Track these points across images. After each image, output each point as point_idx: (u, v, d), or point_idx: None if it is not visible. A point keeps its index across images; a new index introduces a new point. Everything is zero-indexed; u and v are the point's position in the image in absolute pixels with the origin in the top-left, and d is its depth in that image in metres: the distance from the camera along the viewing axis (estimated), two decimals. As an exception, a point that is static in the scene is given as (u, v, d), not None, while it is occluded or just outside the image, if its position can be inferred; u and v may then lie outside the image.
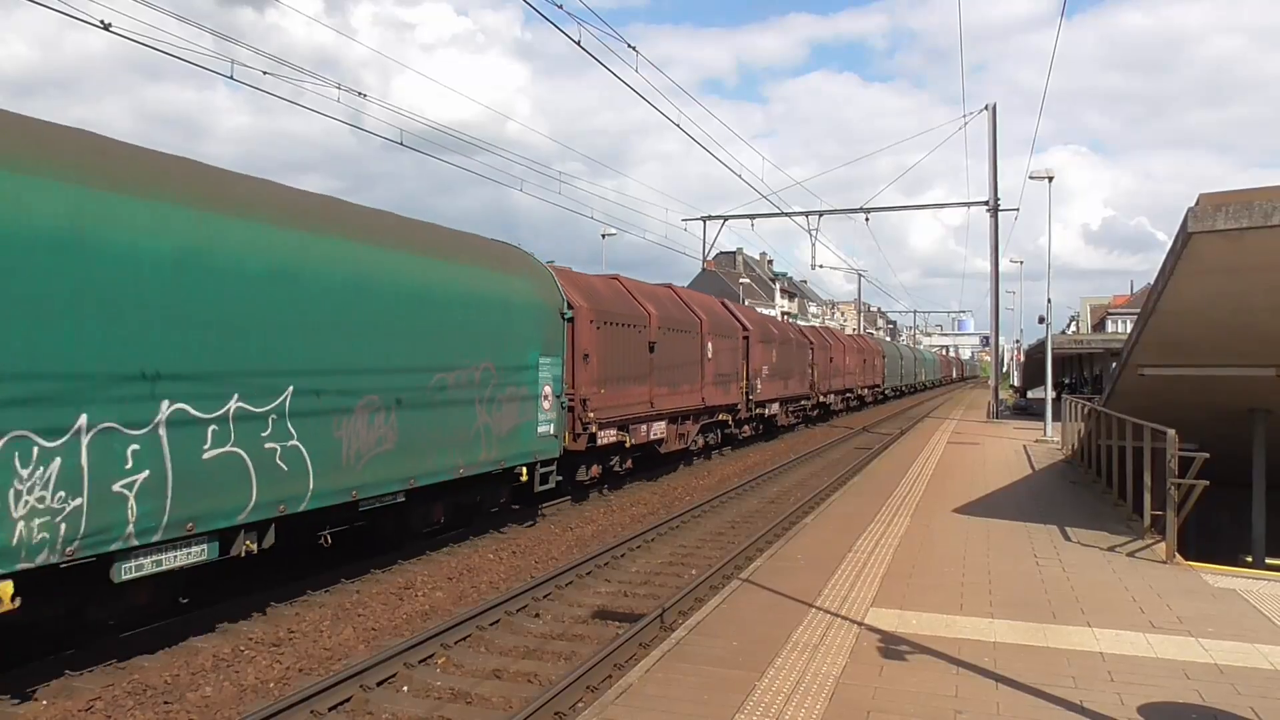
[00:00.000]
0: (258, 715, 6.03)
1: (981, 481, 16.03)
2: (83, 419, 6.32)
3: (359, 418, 8.97)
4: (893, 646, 6.56)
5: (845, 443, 28.03)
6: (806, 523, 11.88)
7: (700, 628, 7.07)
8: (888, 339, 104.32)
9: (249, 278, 7.71)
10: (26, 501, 5.98)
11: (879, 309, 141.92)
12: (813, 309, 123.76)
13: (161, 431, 6.91)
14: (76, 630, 7.14)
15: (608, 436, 15.17)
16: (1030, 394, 47.17)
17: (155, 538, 6.89)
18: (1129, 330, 15.40)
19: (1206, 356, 11.72)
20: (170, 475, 6.96)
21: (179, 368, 7.03)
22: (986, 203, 35.30)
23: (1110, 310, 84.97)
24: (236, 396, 7.57)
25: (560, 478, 13.54)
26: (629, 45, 15.96)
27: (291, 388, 8.12)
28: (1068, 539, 10.71)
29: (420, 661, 7.34)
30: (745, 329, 24.19)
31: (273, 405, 7.94)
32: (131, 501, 6.67)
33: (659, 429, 17.71)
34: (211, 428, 7.33)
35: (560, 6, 12.57)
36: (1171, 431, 9.61)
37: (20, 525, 5.93)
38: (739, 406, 23.21)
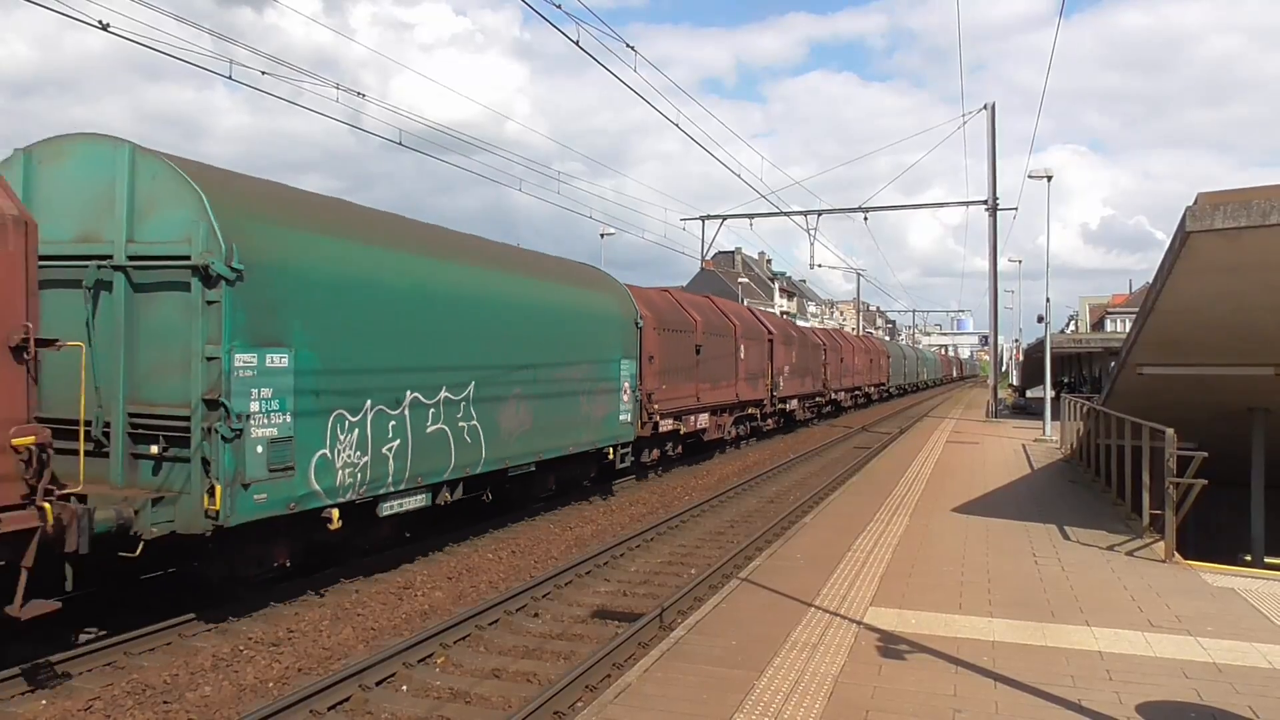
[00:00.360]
0: (257, 715, 6.03)
1: (980, 481, 16.04)
2: (368, 403, 9.22)
3: (510, 405, 11.91)
4: (892, 646, 6.56)
5: (844, 442, 28.04)
6: (806, 522, 11.89)
7: (699, 627, 7.08)
8: (890, 340, 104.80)
9: (450, 301, 10.62)
10: (342, 457, 8.89)
11: (878, 308, 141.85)
12: (811, 308, 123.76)
13: (406, 412, 9.79)
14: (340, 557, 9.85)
15: (666, 425, 18.12)
16: (1029, 393, 47.21)
17: (401, 487, 9.81)
18: (1128, 329, 15.42)
19: (1205, 355, 11.74)
20: (410, 444, 9.86)
21: (414, 367, 9.89)
22: (985, 202, 35.32)
23: (1109, 309, 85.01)
24: (444, 388, 10.46)
25: (633, 458, 16.47)
26: (628, 45, 15.96)
27: (474, 382, 11.02)
28: (1066, 538, 10.72)
29: (419, 661, 7.35)
30: (770, 332, 26.66)
31: (463, 395, 10.86)
32: (391, 461, 9.59)
33: (704, 419, 20.55)
34: (430, 410, 10.24)
35: (559, 6, 12.57)
36: (1170, 430, 9.62)
37: (340, 473, 8.88)
38: (764, 402, 25.81)
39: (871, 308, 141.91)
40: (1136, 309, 13.96)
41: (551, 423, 12.98)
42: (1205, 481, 9.50)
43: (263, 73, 14.40)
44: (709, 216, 39.61)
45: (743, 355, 23.48)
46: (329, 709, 6.37)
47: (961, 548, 10.10)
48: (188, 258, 7.59)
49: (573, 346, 13.78)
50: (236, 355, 7.74)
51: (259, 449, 7.93)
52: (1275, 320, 10.34)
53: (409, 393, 9.82)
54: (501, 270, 12.29)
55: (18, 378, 5.97)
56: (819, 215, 37.87)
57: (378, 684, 6.86)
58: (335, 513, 8.79)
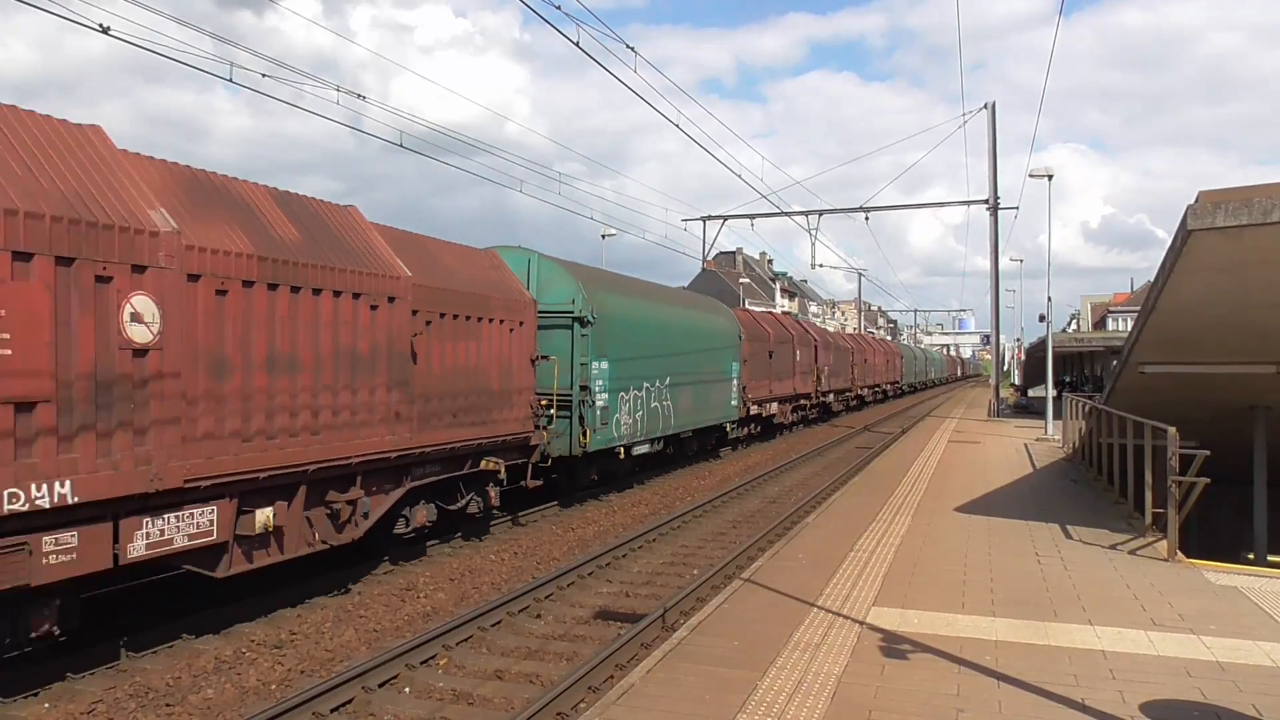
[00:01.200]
0: (260, 717, 6.03)
1: (983, 480, 16.02)
2: (631, 389, 15.60)
3: (682, 392, 18.55)
4: (894, 645, 6.55)
5: (846, 442, 28.03)
6: (808, 522, 11.88)
7: (702, 628, 7.07)
8: (905, 341, 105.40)
9: (658, 328, 17.54)
10: (624, 420, 15.32)
11: (879, 308, 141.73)
12: (813, 308, 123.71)
13: (643, 395, 16.35)
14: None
15: (754, 409, 24.95)
16: (1031, 392, 47.14)
17: (640, 439, 16.46)
18: (1129, 328, 15.39)
19: (1207, 354, 11.72)
20: (645, 414, 16.50)
21: (648, 368, 16.51)
22: (986, 201, 35.30)
23: (1111, 308, 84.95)
24: (656, 380, 17.02)
25: (733, 434, 24.03)
26: (627, 46, 15.95)
27: (668, 377, 17.67)
28: (1069, 537, 10.71)
29: (422, 663, 7.34)
30: (815, 339, 33.52)
31: (665, 384, 17.57)
32: (638, 424, 16.16)
33: (774, 407, 27.44)
34: (653, 394, 16.86)
35: (558, 8, 12.57)
36: (1172, 429, 9.60)
37: (623, 428, 15.29)
38: (812, 395, 32.77)
39: (873, 307, 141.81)
40: (1138, 308, 13.94)
41: (699, 405, 19.90)
42: (1207, 480, 9.48)
43: (263, 75, 14.41)
44: (710, 217, 39.62)
45: (798, 358, 30.21)
46: (332, 711, 6.37)
47: (964, 547, 10.09)
48: (571, 312, 14.33)
49: (709, 354, 20.70)
50: (592, 363, 14.54)
51: (598, 412, 14.65)
52: (1277, 318, 10.32)
53: (644, 383, 16.61)
54: (676, 306, 19.77)
55: (531, 374, 12.68)
56: (820, 215, 37.87)
57: (380, 685, 6.86)
58: (621, 450, 15.87)
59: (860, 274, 78.12)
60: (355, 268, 8.97)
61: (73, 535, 6.27)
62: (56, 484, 6.08)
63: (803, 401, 31.03)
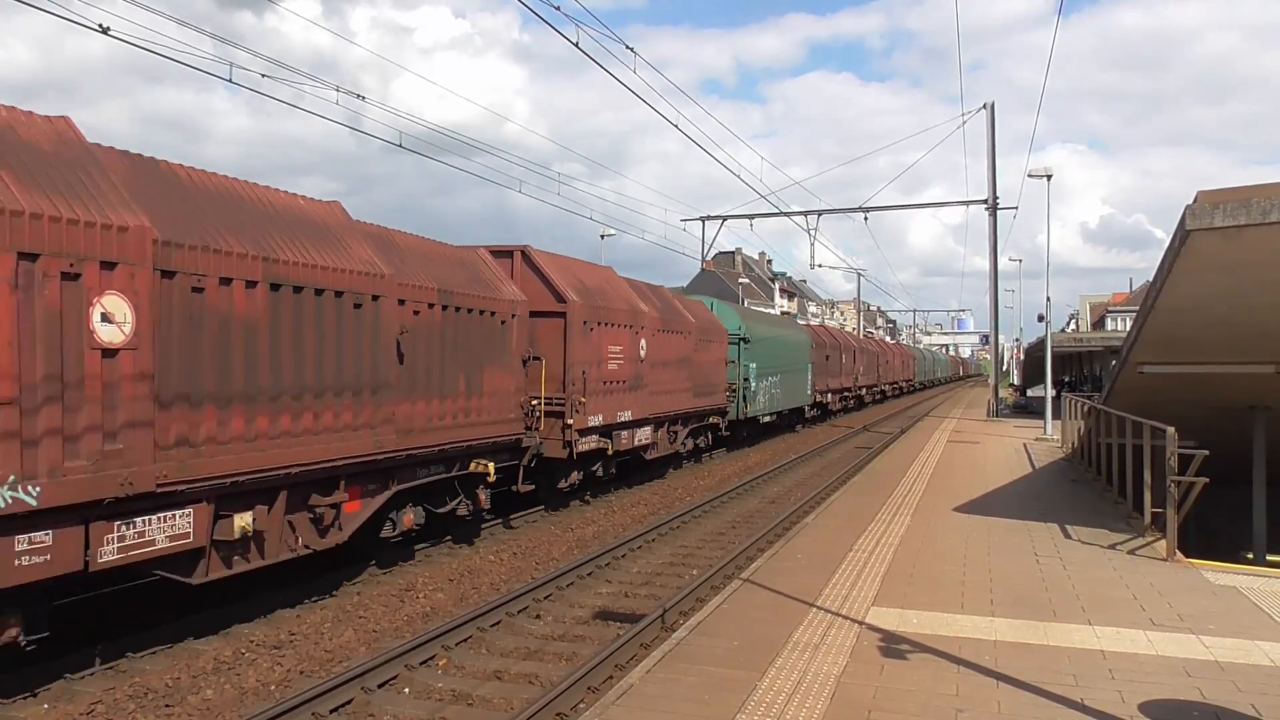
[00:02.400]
0: (259, 718, 6.03)
1: (982, 480, 16.03)
2: (764, 380, 25.56)
3: (785, 383, 27.96)
4: (894, 645, 6.55)
5: (845, 442, 28.04)
6: (807, 522, 11.88)
7: (701, 628, 7.07)
8: (905, 341, 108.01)
9: (773, 341, 27.36)
10: (760, 400, 25.28)
11: (878, 308, 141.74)
12: (812, 308, 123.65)
13: (766, 383, 25.82)
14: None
15: (819, 398, 34.25)
16: (1030, 392, 47.16)
17: (766, 412, 26.28)
18: (1128, 328, 15.39)
19: (1206, 354, 11.72)
20: (767, 397, 26.05)
21: (770, 369, 26.29)
22: (985, 201, 35.31)
23: (1110, 308, 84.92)
24: (774, 376, 26.71)
25: (808, 414, 33.56)
26: (627, 46, 15.96)
27: (780, 375, 27.38)
28: (1068, 537, 10.71)
29: (421, 663, 7.34)
30: (854, 346, 43.83)
31: (778, 379, 27.12)
32: (767, 403, 26.07)
33: (830, 397, 36.68)
34: (772, 383, 26.52)
35: (558, 8, 12.58)
36: (1171, 429, 9.60)
37: (760, 404, 25.35)
38: (851, 389, 42.29)
39: (872, 307, 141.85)
40: (1137, 308, 13.95)
41: (793, 393, 29.26)
42: (1206, 480, 9.49)
43: (262, 75, 14.42)
44: (709, 217, 39.66)
45: (843, 361, 39.88)
46: (331, 711, 6.37)
47: (963, 547, 10.09)
48: (739, 333, 23.98)
49: (799, 359, 30.41)
50: (747, 365, 24.02)
51: (749, 395, 23.94)
52: (1276, 318, 10.33)
53: (769, 378, 25.78)
54: (782, 328, 31.18)
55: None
56: (819, 215, 37.89)
57: (380, 686, 6.86)
58: (761, 419, 25.77)
59: (859, 274, 78.15)
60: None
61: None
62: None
63: (845, 393, 41.11)
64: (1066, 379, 49.31)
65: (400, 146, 19.13)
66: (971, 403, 49.29)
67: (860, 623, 7.12)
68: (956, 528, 11.31)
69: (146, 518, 6.86)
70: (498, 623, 8.44)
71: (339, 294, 8.81)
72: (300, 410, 8.29)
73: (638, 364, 16.23)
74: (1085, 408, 17.85)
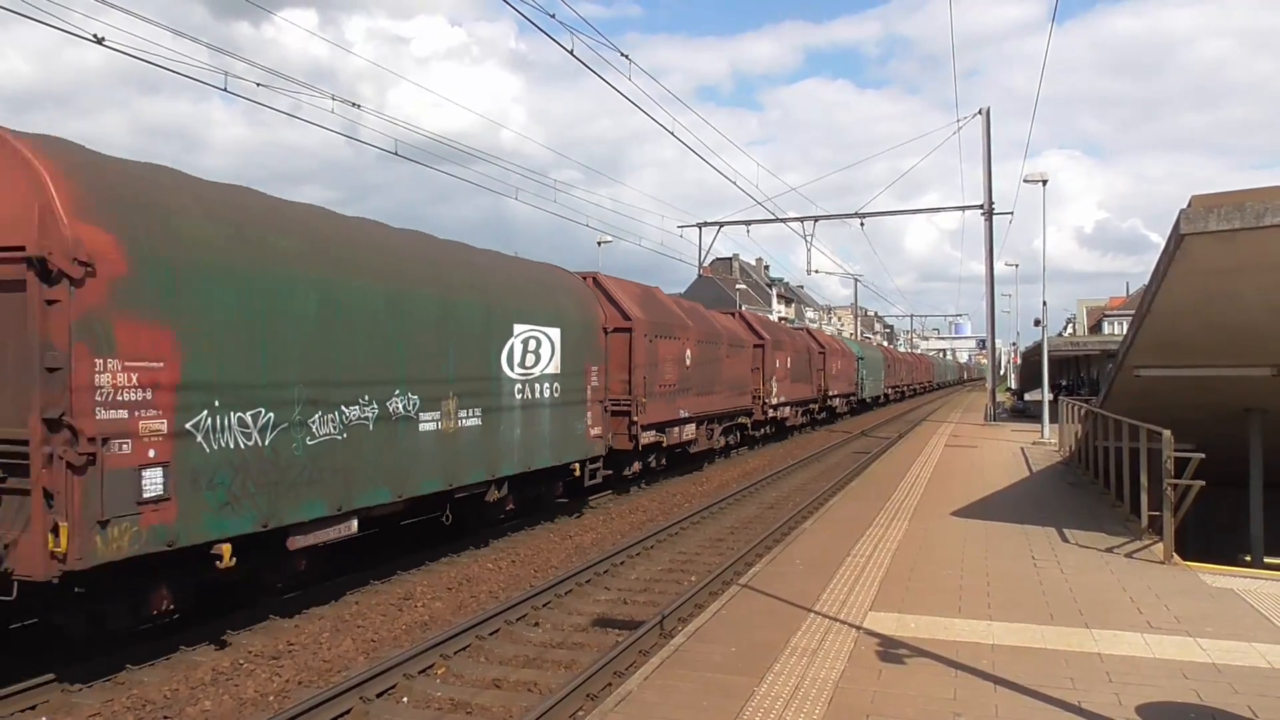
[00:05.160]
0: (257, 728, 6.03)
1: (979, 484, 16.05)
2: (870, 376, 49.69)
3: (870, 377, 48.33)
4: (891, 650, 6.57)
5: (844, 447, 28.04)
6: (805, 527, 11.89)
7: (700, 634, 7.08)
8: (903, 347, 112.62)
9: (867, 358, 49.19)
10: (869, 387, 48.53)
11: (875, 313, 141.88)
12: (809, 314, 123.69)
13: (871, 379, 49.49)
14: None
15: (877, 394, 51.31)
16: (1027, 396, 47.28)
17: (869, 394, 49.22)
18: (1125, 332, 15.44)
19: (1202, 357, 11.77)
20: (873, 385, 50.10)
21: (871, 372, 49.80)
22: (981, 206, 35.46)
23: (1106, 312, 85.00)
24: (873, 376, 50.25)
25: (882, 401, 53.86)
26: (622, 54, 16.03)
27: (872, 375, 49.89)
28: (1065, 540, 10.73)
29: (420, 672, 7.34)
30: (896, 358, 58.93)
31: (876, 378, 50.74)
32: (873, 388, 50.83)
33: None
34: (875, 378, 50.60)
35: (553, 16, 12.65)
36: (1167, 432, 9.64)
37: (867, 389, 48.26)
38: (892, 389, 56.80)
39: (869, 313, 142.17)
40: (1133, 312, 13.98)
41: (875, 385, 48.89)
42: (1203, 483, 9.53)
43: (258, 84, 14.46)
44: (706, 223, 39.73)
45: (889, 367, 55.83)
46: (330, 721, 6.37)
47: (961, 551, 10.11)
48: (859, 353, 46.74)
49: (873, 370, 48.07)
50: (861, 372, 46.22)
51: (862, 387, 46.58)
52: (1271, 321, 10.38)
53: (870, 377, 47.75)
54: (870, 350, 52.54)
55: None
56: (815, 221, 38.02)
57: (378, 696, 6.85)
58: (867, 399, 48.34)
59: (856, 280, 78.27)
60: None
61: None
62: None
63: (888, 391, 56.89)
64: (1064, 383, 49.33)
65: (397, 155, 19.18)
66: (969, 407, 49.37)
67: (858, 627, 7.14)
68: (954, 532, 11.33)
69: (682, 426, 18.38)
70: (496, 631, 8.45)
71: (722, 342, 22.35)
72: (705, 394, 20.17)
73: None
74: (1082, 411, 17.91)
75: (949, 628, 7.14)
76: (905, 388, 67.55)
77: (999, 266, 45.48)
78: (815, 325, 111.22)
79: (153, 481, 6.78)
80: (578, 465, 14.11)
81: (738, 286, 74.96)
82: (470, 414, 11.01)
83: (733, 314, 28.13)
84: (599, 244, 38.58)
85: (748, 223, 38.30)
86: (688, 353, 19.47)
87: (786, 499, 17.08)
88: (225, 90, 13.43)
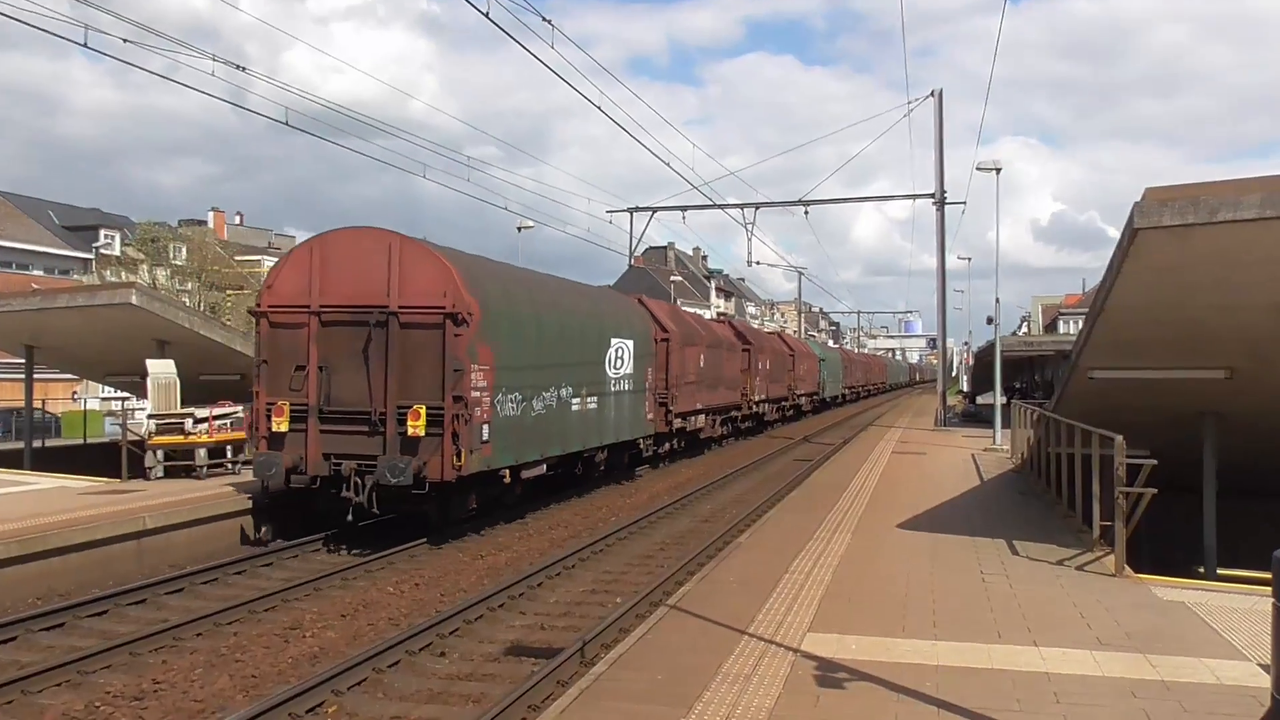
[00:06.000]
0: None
1: (928, 494, 16.48)
2: (830, 378, 57.57)
3: (830, 379, 56.15)
4: (830, 674, 6.69)
5: (784, 455, 28.48)
6: (741, 542, 12.04)
7: (623, 661, 7.10)
8: (849, 345, 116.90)
9: (828, 360, 56.50)
10: (829, 387, 57.22)
11: (820, 309, 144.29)
12: (751, 309, 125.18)
13: (831, 379, 57.48)
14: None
15: (845, 391, 64.71)
16: (980, 399, 48.76)
17: (829, 394, 57.34)
18: (1079, 331, 16.05)
19: (1156, 358, 12.30)
20: (832, 385, 58.51)
21: (831, 374, 58.02)
22: (933, 195, 36.36)
23: (1062, 310, 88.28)
24: (832, 379, 57.70)
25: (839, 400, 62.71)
26: (544, 19, 15.98)
27: (831, 377, 57.74)
28: (1015, 553, 11.10)
29: (308, 711, 7.18)
30: (855, 360, 73.59)
31: (835, 380, 58.73)
32: (833, 388, 59.25)
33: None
34: (833, 380, 58.00)
35: (466, -25, 12.50)
36: (1119, 438, 10.03)
37: (828, 389, 56.93)
38: (848, 390, 65.49)
39: (814, 308, 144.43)
40: (1088, 309, 14.54)
41: (834, 385, 56.79)
42: (1154, 490, 9.95)
43: (125, 40, 13.97)
44: (638, 208, 39.90)
45: (853, 369, 68.00)
46: (202, 768, 6.19)
47: (906, 566, 10.37)
48: (821, 356, 54.58)
49: (835, 370, 56.65)
50: (823, 373, 53.28)
51: (824, 387, 53.73)
52: (1225, 320, 10.91)
53: (830, 378, 55.10)
54: (829, 352, 62.09)
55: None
56: (757, 209, 38.51)
57: (259, 738, 6.69)
58: (829, 398, 56.31)
59: (800, 273, 79.58)
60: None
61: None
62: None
63: (845, 392, 64.04)
64: (1017, 385, 51.03)
65: (288, 125, 18.76)
66: (920, 410, 50.61)
67: (795, 650, 7.25)
68: (900, 545, 11.61)
69: (693, 417, 25.43)
70: (396, 662, 8.32)
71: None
72: (712, 390, 27.76)
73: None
74: (1035, 415, 18.52)
75: (892, 648, 7.31)
76: (860, 388, 75.44)
77: (951, 260, 46.72)
78: (757, 322, 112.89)
79: (485, 432, 13.46)
80: (641, 441, 21.71)
81: (673, 278, 75.54)
82: (591, 400, 17.99)
83: (723, 320, 40.54)
84: (519, 229, 38.35)
85: (684, 208, 38.64)
86: (701, 357, 26.71)
87: (722, 510, 17.27)
88: (85, 46, 12.95)
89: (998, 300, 31.01)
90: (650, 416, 21.89)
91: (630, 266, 51.40)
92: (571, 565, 12.44)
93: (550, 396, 15.84)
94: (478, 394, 13.17)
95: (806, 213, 38.03)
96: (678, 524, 16.04)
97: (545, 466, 15.83)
